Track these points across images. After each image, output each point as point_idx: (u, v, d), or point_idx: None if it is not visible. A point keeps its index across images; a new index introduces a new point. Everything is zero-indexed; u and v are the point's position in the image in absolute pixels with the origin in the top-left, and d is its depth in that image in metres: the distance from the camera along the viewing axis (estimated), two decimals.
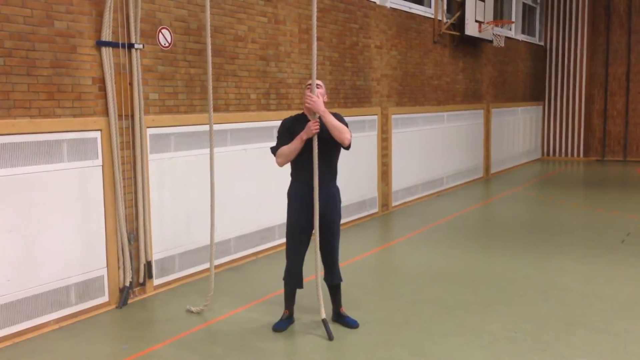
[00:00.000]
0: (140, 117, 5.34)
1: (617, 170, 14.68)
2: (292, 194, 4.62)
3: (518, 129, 15.37)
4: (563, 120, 16.68)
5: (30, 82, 4.54)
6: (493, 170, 13.86)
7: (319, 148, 4.37)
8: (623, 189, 12.02)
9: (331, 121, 4.35)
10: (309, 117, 4.47)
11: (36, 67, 4.57)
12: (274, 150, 4.58)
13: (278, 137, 4.58)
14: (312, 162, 4.37)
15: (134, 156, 5.35)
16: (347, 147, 4.45)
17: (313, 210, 4.44)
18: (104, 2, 4.99)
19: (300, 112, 4.66)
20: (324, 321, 4.56)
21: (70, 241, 4.89)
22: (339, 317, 4.79)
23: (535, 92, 16.39)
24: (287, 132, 4.50)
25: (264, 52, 6.94)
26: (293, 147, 4.40)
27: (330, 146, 4.47)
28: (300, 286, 4.72)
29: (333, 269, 4.70)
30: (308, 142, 4.38)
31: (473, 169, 12.84)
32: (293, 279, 4.69)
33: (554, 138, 16.85)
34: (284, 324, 4.73)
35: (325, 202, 4.51)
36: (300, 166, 4.51)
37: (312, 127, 4.32)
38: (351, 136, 4.45)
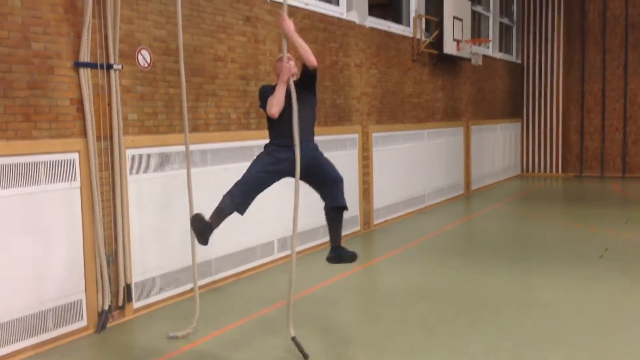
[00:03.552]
0: (119, 138, 5.30)
1: (595, 186, 14.86)
2: (263, 153, 4.53)
3: (497, 145, 15.52)
4: (541, 137, 16.87)
5: (7, 104, 4.49)
6: (474, 187, 13.96)
7: (299, 109, 4.36)
8: (601, 204, 12.17)
9: (299, 41, 4.39)
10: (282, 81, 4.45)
11: (13, 89, 4.52)
12: (263, 104, 4.50)
13: (261, 99, 4.55)
14: (292, 122, 4.33)
15: (113, 177, 5.30)
16: (314, 71, 4.44)
17: (287, 166, 4.38)
18: (82, 23, 4.96)
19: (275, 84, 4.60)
20: (293, 339, 4.50)
21: (47, 265, 4.80)
22: (337, 251, 4.54)
23: (513, 109, 16.58)
24: (270, 93, 4.48)
25: (244, 72, 6.94)
26: (279, 92, 4.39)
27: (308, 105, 4.50)
28: (243, 212, 4.48)
29: (338, 192, 4.47)
30: (287, 104, 4.38)
31: (454, 186, 12.92)
32: (242, 202, 4.43)
33: (533, 154, 17.03)
34: (206, 239, 4.57)
35: (306, 153, 4.46)
36: (281, 128, 4.43)
37: (291, 67, 4.36)
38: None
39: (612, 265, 7.02)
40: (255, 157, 4.59)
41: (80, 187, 5.02)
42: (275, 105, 4.39)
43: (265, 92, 4.55)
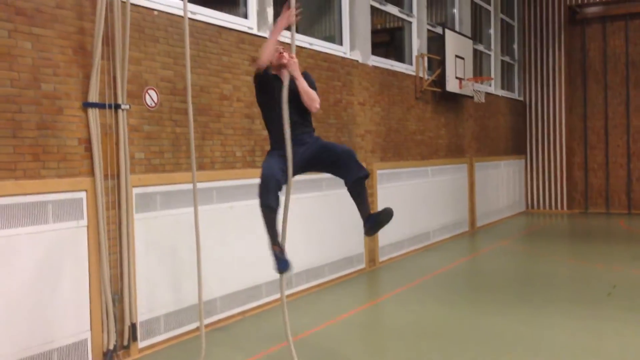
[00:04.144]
0: (126, 177, 5.34)
1: (601, 222, 14.81)
2: (269, 156, 4.52)
3: (502, 182, 15.54)
4: (545, 173, 16.89)
5: (16, 144, 4.54)
6: (478, 223, 13.92)
7: (292, 104, 4.37)
8: (607, 241, 12.10)
9: (304, 87, 4.41)
10: (281, 76, 4.45)
11: (22, 129, 4.58)
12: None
13: (262, 86, 4.58)
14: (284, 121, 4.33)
15: (120, 216, 5.32)
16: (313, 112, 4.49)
17: (298, 161, 4.37)
18: (91, 64, 5.06)
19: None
20: None
21: (53, 304, 4.79)
22: (371, 219, 4.40)
23: (516, 146, 16.65)
24: (276, 82, 4.46)
25: (249, 110, 7.02)
26: (304, 83, 4.41)
27: (298, 99, 4.49)
28: (277, 205, 4.33)
29: (354, 163, 4.34)
30: (279, 101, 4.37)
31: (458, 222, 12.89)
32: (270, 198, 4.28)
33: (537, 191, 17.02)
34: (285, 262, 4.41)
35: (306, 146, 4.46)
36: (277, 128, 4.43)
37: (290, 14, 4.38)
38: (319, 102, 4.51)
39: (621, 304, 6.95)
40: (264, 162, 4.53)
41: (87, 226, 5.04)
42: (263, 53, 4.37)
43: (270, 79, 4.50)
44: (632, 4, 15.65)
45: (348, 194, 4.48)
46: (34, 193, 4.65)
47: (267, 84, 4.52)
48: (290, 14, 4.39)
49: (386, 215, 4.39)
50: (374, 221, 4.40)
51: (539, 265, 9.59)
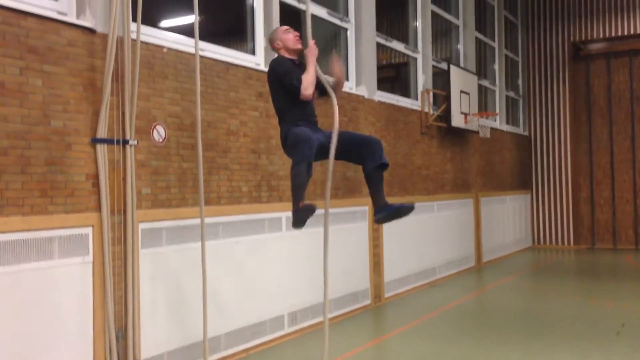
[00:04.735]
0: (132, 212, 5.34)
1: (608, 258, 14.69)
2: (295, 125, 4.40)
3: (508, 217, 15.48)
4: (551, 208, 16.83)
5: (25, 179, 4.57)
6: (485, 259, 13.83)
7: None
8: (614, 277, 11.99)
9: (312, 70, 4.39)
10: (298, 57, 4.49)
11: (31, 165, 4.61)
12: (297, 82, 4.31)
13: (288, 72, 4.38)
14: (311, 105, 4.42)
15: (125, 251, 5.31)
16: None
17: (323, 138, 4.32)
18: (100, 101, 5.11)
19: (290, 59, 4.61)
20: None
21: (57, 340, 4.76)
22: (388, 208, 4.33)
23: (522, 181, 16.63)
24: (293, 67, 4.43)
25: (256, 146, 7.05)
26: (312, 73, 4.32)
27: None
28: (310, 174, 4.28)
29: (379, 151, 4.33)
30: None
31: (465, 258, 12.81)
32: (310, 153, 4.19)
33: (544, 226, 16.94)
34: (302, 213, 4.29)
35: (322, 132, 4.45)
36: (304, 109, 4.44)
37: (314, 48, 4.35)
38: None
39: (631, 342, 6.85)
40: (292, 137, 4.36)
41: (93, 262, 5.03)
42: (311, 86, 4.31)
43: (291, 65, 4.44)
44: (636, 41, 15.80)
45: (365, 179, 4.45)
46: (41, 229, 4.65)
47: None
48: (313, 47, 4.40)
49: (407, 209, 4.35)
50: (394, 211, 4.34)
51: (547, 302, 9.48)
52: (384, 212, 4.36)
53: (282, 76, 4.41)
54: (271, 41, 4.71)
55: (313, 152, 4.23)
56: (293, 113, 4.46)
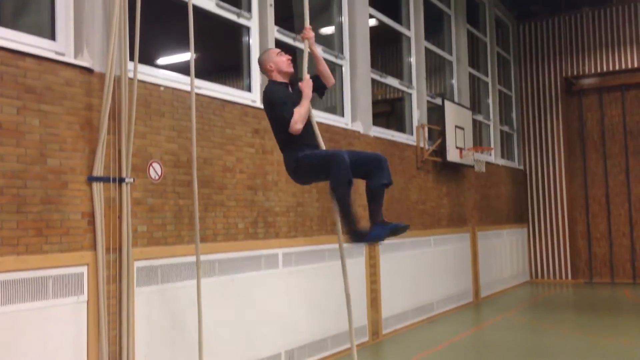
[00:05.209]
0: (128, 250, 5.31)
1: (606, 292, 14.62)
2: (304, 151, 4.43)
3: (505, 251, 15.44)
4: (548, 242, 16.80)
5: (20, 219, 4.55)
6: (483, 294, 13.74)
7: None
8: (613, 312, 11.91)
9: (320, 56, 4.67)
10: (292, 81, 4.53)
11: (26, 204, 4.60)
12: (289, 116, 4.28)
13: (283, 103, 4.34)
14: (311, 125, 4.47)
15: (120, 290, 5.26)
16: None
17: None
18: (97, 139, 5.12)
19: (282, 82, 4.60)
20: None
21: None
22: (384, 226, 4.31)
23: (518, 215, 16.63)
24: (288, 97, 4.42)
25: (252, 182, 7.06)
26: (305, 108, 4.34)
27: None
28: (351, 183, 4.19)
29: (387, 170, 4.34)
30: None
31: (462, 293, 12.72)
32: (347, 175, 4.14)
33: (541, 260, 16.88)
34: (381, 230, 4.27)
35: None
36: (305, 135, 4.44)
37: (309, 81, 4.44)
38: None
39: None
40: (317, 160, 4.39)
41: (87, 301, 4.98)
42: (302, 121, 4.32)
43: (286, 95, 4.43)
44: (627, 75, 15.98)
45: (368, 195, 4.40)
46: (36, 268, 4.62)
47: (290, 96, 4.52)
48: (308, 81, 4.47)
49: (403, 228, 4.40)
50: (392, 228, 4.35)
51: (546, 337, 9.40)
52: (382, 229, 4.34)
53: (275, 106, 4.39)
54: (263, 63, 4.62)
55: (349, 170, 4.18)
56: (296, 139, 4.42)
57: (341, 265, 4.36)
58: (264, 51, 4.90)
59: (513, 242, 16.04)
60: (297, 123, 4.29)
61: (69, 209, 4.90)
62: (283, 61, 4.55)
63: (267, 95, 4.49)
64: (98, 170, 5.10)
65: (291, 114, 4.29)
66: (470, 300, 13.03)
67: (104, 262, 5.09)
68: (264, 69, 4.66)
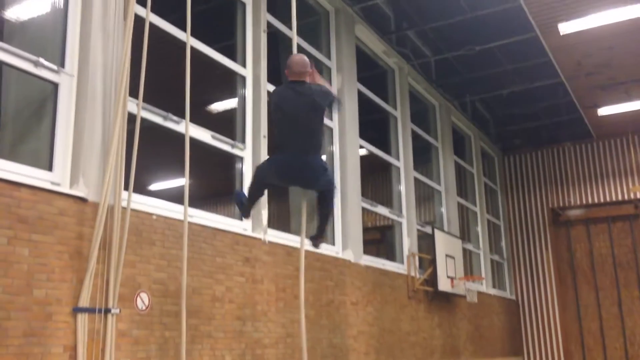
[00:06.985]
0: None
1: None
2: (271, 160, 4.93)
3: None
4: None
5: (0, 352, 4.38)
6: None
7: (301, 117, 4.47)
8: None
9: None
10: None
11: (8, 337, 4.45)
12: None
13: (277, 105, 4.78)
14: (297, 130, 4.52)
15: None
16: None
17: (293, 175, 4.66)
18: (85, 269, 5.06)
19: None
20: None
21: None
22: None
23: (512, 347, 16.22)
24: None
25: (241, 312, 6.91)
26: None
27: (313, 113, 4.51)
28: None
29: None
30: (290, 110, 4.52)
31: None
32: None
33: None
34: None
35: (309, 169, 4.59)
36: (286, 136, 4.59)
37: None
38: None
39: None
40: None
41: None
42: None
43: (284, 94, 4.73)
44: (612, 207, 16.19)
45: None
46: None
47: (287, 98, 4.68)
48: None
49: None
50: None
51: None
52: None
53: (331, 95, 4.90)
54: (305, 65, 4.76)
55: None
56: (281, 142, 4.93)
57: None
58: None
59: None
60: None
61: (51, 341, 4.74)
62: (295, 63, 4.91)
63: (327, 90, 4.80)
64: (84, 301, 4.99)
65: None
66: None
67: None
68: (305, 71, 4.77)
